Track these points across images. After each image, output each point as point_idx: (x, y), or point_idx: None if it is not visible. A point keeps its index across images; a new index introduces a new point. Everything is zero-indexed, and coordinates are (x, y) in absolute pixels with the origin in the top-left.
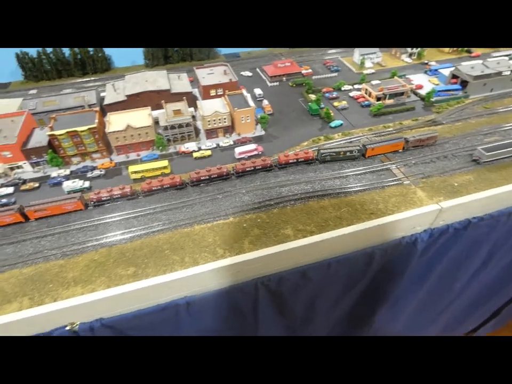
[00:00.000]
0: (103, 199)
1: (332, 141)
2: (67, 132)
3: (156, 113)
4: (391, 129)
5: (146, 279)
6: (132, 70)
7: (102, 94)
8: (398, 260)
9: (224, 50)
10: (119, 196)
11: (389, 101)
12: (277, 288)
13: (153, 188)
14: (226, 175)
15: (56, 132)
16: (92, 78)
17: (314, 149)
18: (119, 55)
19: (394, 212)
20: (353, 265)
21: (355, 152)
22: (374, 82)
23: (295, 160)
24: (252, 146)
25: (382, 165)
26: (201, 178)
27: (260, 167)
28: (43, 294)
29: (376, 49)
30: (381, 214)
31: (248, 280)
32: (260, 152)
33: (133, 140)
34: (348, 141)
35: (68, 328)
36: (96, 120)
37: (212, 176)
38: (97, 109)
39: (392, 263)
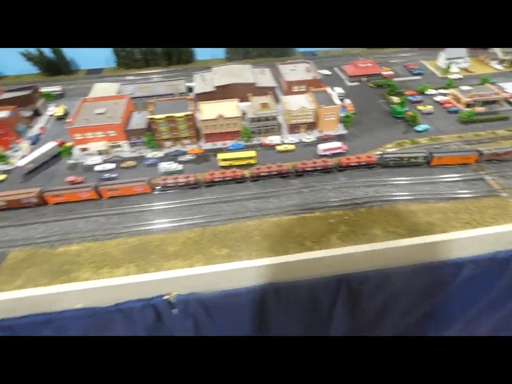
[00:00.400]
0: (168, 185)
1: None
2: (166, 117)
3: (242, 105)
4: (484, 137)
5: (239, 261)
6: (212, 63)
7: (187, 84)
8: (487, 275)
9: (301, 48)
10: (183, 183)
11: (480, 109)
12: (358, 287)
13: (215, 179)
14: (286, 173)
15: (156, 116)
16: (173, 69)
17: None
18: (200, 48)
19: (492, 224)
20: (439, 275)
21: (420, 159)
22: (463, 88)
23: (356, 164)
24: (337, 144)
25: (475, 175)
26: (261, 174)
27: (320, 168)
28: (147, 263)
29: (464, 54)
30: (476, 225)
31: (332, 275)
32: (344, 151)
33: (221, 129)
34: (435, 146)
35: (165, 297)
36: (191, 108)
37: (272, 173)
38: (191, 97)
39: (480, 278)
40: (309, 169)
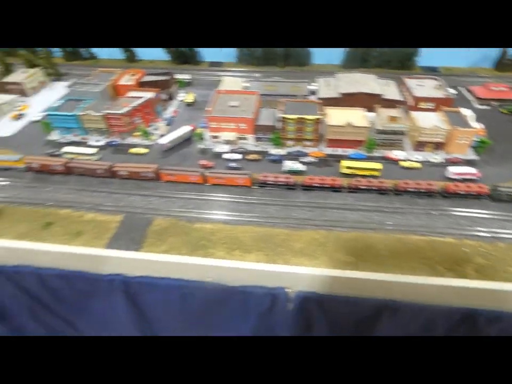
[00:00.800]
0: (267, 182)
1: None
2: (297, 118)
3: (368, 115)
4: None
5: (364, 271)
6: (327, 68)
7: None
8: None
9: (422, 62)
10: (282, 183)
11: None
12: (484, 326)
13: (313, 184)
14: (385, 190)
15: (288, 116)
16: (289, 70)
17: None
18: (317, 52)
19: None
20: None
21: None
22: None
23: (465, 192)
24: (471, 169)
25: None
26: (360, 187)
27: (424, 190)
28: (275, 254)
29: None
30: None
31: (459, 306)
32: (477, 178)
33: (346, 136)
34: None
35: (287, 290)
36: (320, 112)
37: (372, 188)
38: (320, 101)
39: None
40: (411, 189)
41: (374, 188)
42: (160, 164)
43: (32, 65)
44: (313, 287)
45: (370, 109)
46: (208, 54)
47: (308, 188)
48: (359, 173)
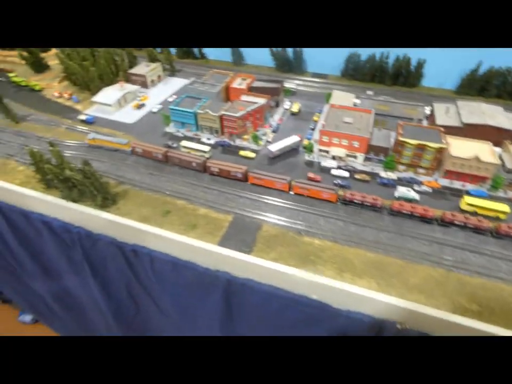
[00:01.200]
0: (354, 201)
1: None
2: (419, 144)
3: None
4: None
5: (490, 324)
6: (437, 92)
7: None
8: None
9: None
10: (369, 204)
11: None
12: None
13: (403, 211)
14: (482, 229)
15: (408, 140)
16: (395, 89)
17: None
18: (430, 74)
19: None
20: None
21: None
22: None
23: None
24: None
25: None
26: (455, 222)
27: None
28: (388, 285)
29: None
30: None
31: None
32: None
33: (469, 170)
34: None
35: (398, 326)
36: (444, 141)
37: (468, 225)
38: (442, 129)
39: None
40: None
41: (470, 226)
42: (266, 170)
43: (153, 59)
44: (428, 327)
45: (496, 144)
46: (311, 64)
47: (395, 213)
48: (481, 212)
